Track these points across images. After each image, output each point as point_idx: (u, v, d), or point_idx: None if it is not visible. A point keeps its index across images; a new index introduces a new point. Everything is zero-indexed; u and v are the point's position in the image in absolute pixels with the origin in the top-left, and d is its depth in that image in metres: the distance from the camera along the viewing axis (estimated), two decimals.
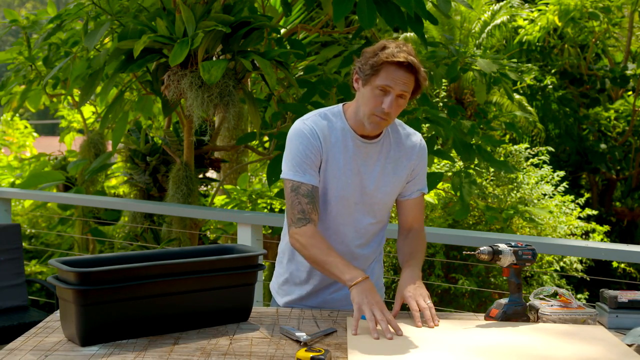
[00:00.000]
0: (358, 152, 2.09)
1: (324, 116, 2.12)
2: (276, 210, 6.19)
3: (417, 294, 1.97)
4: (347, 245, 2.15)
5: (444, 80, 6.50)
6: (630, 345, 1.79)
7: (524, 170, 7.29)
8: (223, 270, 1.92)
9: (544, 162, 7.76)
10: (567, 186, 7.85)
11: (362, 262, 2.20)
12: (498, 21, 10.21)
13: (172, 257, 1.98)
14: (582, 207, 7.68)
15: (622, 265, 8.23)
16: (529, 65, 9.79)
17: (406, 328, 1.89)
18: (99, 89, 4.67)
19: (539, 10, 10.12)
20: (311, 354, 1.61)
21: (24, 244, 6.29)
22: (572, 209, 7.34)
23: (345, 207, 2.12)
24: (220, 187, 6.08)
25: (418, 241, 2.19)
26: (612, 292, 2.00)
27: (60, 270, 1.75)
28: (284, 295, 2.27)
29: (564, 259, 6.78)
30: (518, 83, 9.48)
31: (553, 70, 10.71)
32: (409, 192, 2.20)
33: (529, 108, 9.64)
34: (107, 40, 4.71)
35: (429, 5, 4.07)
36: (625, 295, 1.98)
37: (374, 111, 2.01)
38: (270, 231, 5.87)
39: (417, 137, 2.20)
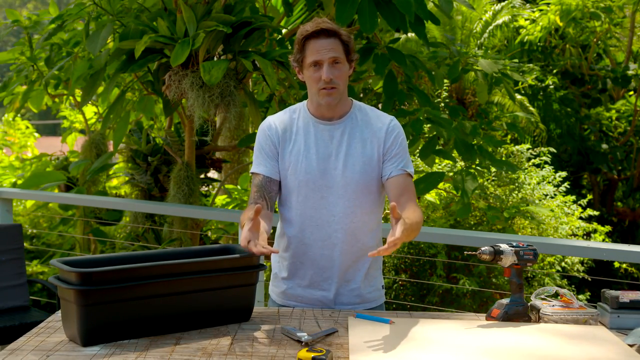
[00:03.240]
0: (321, 136, 2.16)
1: (288, 111, 2.24)
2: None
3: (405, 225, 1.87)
4: (325, 230, 2.14)
5: (445, 81, 6.50)
6: (631, 346, 1.79)
7: (526, 170, 7.29)
8: (224, 270, 1.92)
9: (545, 163, 7.76)
10: (568, 186, 7.84)
11: (347, 250, 2.16)
12: (499, 21, 10.20)
13: (174, 257, 1.98)
14: (584, 208, 7.67)
15: (624, 266, 8.23)
16: (531, 65, 9.79)
17: (407, 328, 1.89)
18: (100, 89, 4.67)
19: (540, 10, 10.11)
20: (312, 354, 1.61)
21: (25, 244, 6.30)
22: (574, 210, 7.34)
23: (314, 190, 2.14)
24: (222, 187, 6.08)
25: (409, 209, 2.07)
26: (613, 293, 1.99)
27: (62, 271, 1.76)
28: (273, 291, 2.31)
29: (566, 260, 6.77)
30: (519, 83, 9.47)
31: (554, 71, 10.70)
32: (388, 172, 2.16)
33: (531, 108, 9.63)
34: (108, 40, 4.71)
35: (430, 5, 4.07)
36: (626, 296, 1.98)
37: (319, 86, 2.10)
38: (271, 231, 5.87)
39: (387, 118, 2.21)
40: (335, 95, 2.11)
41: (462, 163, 5.29)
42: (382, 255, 2.27)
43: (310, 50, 2.08)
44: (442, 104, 7.51)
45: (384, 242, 2.30)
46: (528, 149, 7.55)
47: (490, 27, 10.26)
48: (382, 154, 2.16)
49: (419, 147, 4.40)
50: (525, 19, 10.44)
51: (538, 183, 7.17)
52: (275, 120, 2.22)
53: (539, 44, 10.55)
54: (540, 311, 2.00)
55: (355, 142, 2.15)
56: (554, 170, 7.66)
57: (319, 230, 2.15)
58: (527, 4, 10.93)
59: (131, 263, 1.85)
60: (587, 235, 7.51)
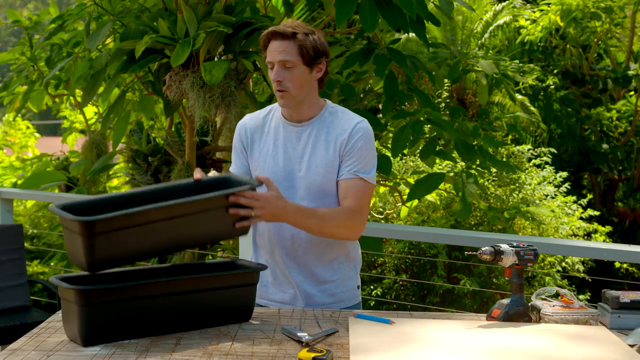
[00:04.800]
0: (288, 137, 2.17)
1: (266, 109, 2.28)
2: None
3: (267, 197, 1.94)
4: (289, 229, 2.14)
5: (445, 81, 6.49)
6: (632, 346, 1.79)
7: (526, 170, 7.29)
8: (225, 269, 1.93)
9: (546, 163, 7.76)
10: (569, 187, 7.84)
11: (311, 250, 2.17)
12: (500, 21, 10.20)
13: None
14: (584, 208, 7.67)
15: (624, 266, 8.23)
16: (531, 65, 9.78)
17: (408, 328, 1.89)
18: (101, 89, 4.68)
19: (541, 10, 10.11)
20: (313, 354, 1.61)
21: (26, 244, 6.30)
22: (574, 210, 7.34)
23: (279, 190, 2.12)
24: None
25: (332, 209, 2.10)
26: (614, 293, 1.99)
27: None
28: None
29: (566, 260, 6.77)
30: (520, 83, 9.47)
31: (555, 71, 10.70)
32: (341, 173, 2.13)
33: (532, 108, 9.63)
34: (109, 40, 4.71)
35: (430, 6, 4.07)
36: (627, 296, 1.98)
37: (274, 87, 2.11)
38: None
39: (354, 121, 2.15)
40: (287, 99, 2.11)
41: (463, 164, 5.29)
42: (349, 250, 2.24)
43: (267, 51, 2.11)
44: (443, 105, 7.51)
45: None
46: (529, 150, 7.55)
47: (491, 28, 10.25)
48: (341, 155, 2.13)
49: (420, 148, 4.40)
50: (526, 19, 10.44)
51: (539, 183, 7.18)
52: (249, 121, 2.26)
53: (539, 44, 10.54)
54: (541, 311, 2.00)
55: (320, 145, 2.14)
56: (554, 170, 7.66)
57: (284, 229, 2.16)
58: (528, 4, 10.93)
59: (131, 204, 1.82)
60: (588, 235, 7.51)
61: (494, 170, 6.18)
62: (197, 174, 1.98)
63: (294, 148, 2.16)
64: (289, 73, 2.08)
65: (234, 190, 1.89)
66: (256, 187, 1.94)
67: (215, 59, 3.90)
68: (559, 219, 6.86)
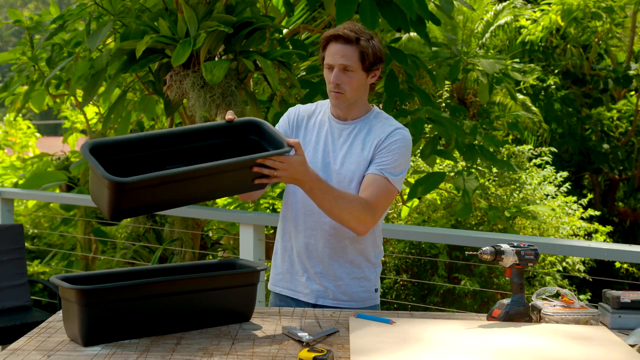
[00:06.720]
0: (331, 132, 2.23)
1: (317, 103, 2.32)
2: (278, 210, 6.19)
3: (291, 160, 1.93)
4: (315, 218, 2.18)
5: (446, 81, 6.49)
6: (632, 346, 1.79)
7: (527, 170, 7.29)
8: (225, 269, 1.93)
9: (547, 163, 7.75)
10: (569, 187, 7.84)
11: (332, 244, 2.19)
12: (501, 21, 10.19)
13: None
14: (585, 208, 7.67)
15: (625, 266, 8.22)
16: (532, 65, 9.78)
17: (408, 328, 1.89)
18: (101, 89, 4.67)
19: (542, 10, 10.10)
20: (313, 354, 1.61)
21: (26, 244, 6.30)
22: (575, 210, 7.33)
23: None
24: None
25: (350, 195, 2.10)
26: (614, 293, 1.99)
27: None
28: (270, 281, 2.36)
29: (567, 260, 6.77)
30: (521, 83, 9.47)
31: (556, 71, 10.69)
32: (368, 169, 2.15)
33: (533, 108, 9.63)
34: (109, 40, 4.71)
35: (430, 6, 4.07)
36: (627, 296, 1.98)
37: (329, 88, 2.15)
38: (272, 231, 5.88)
39: (393, 127, 2.19)
40: (342, 100, 2.16)
41: (463, 163, 5.29)
42: (369, 249, 2.25)
43: (327, 52, 2.15)
44: (443, 104, 7.50)
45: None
46: (529, 149, 7.55)
47: (492, 27, 10.24)
48: (375, 154, 2.16)
49: (420, 147, 4.40)
50: (527, 19, 10.44)
51: (539, 183, 7.17)
52: (301, 107, 2.32)
53: (540, 44, 10.54)
54: (542, 311, 2.00)
55: (357, 143, 2.19)
56: (555, 170, 7.66)
57: (310, 217, 2.20)
58: (529, 4, 10.92)
59: (160, 144, 1.89)
60: (588, 235, 7.51)
61: (494, 169, 6.18)
62: (229, 114, 1.98)
63: (334, 143, 2.21)
64: (348, 77, 2.12)
65: (265, 155, 1.88)
66: (287, 153, 1.94)
67: (216, 58, 3.90)
68: (559, 218, 6.86)
